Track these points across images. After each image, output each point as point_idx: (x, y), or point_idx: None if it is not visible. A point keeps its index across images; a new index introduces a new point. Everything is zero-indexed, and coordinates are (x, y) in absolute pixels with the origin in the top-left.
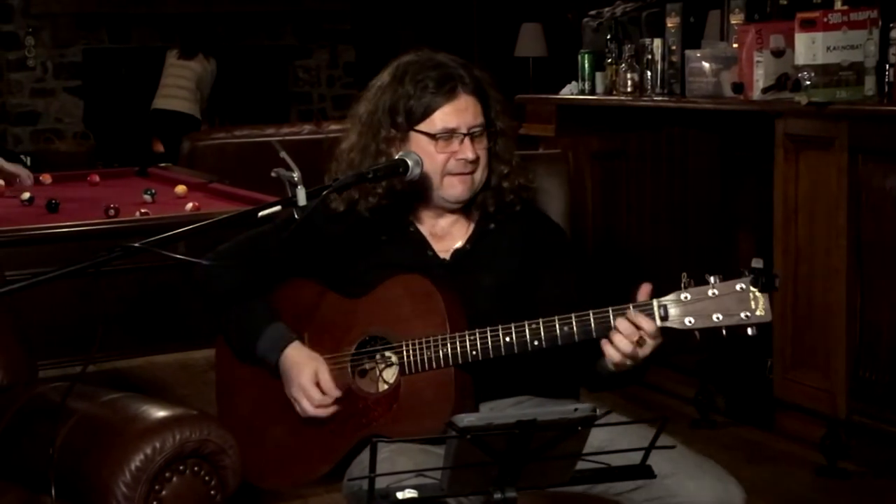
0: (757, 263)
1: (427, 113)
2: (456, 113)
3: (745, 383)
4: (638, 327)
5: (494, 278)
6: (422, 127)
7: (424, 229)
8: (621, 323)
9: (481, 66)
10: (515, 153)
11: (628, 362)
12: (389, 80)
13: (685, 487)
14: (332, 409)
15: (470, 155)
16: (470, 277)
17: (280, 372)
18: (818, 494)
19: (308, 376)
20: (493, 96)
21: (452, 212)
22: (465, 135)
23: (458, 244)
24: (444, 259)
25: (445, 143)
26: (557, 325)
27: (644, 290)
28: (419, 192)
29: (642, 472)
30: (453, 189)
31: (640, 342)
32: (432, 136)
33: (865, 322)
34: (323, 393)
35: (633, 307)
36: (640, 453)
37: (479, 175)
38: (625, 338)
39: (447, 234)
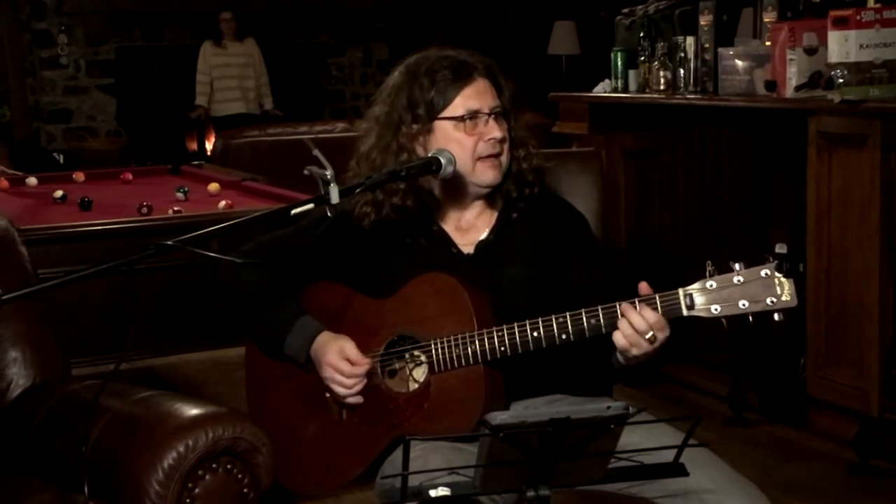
0: (781, 249)
1: (449, 100)
2: (476, 95)
3: (778, 381)
4: (643, 317)
5: (519, 268)
6: (446, 114)
7: (449, 226)
8: (627, 310)
9: (513, 64)
10: (530, 136)
11: (633, 350)
12: (403, 79)
13: None
14: (363, 383)
15: (497, 133)
16: (495, 269)
17: (312, 361)
18: (851, 492)
19: (335, 352)
20: (504, 81)
21: (477, 203)
22: (488, 115)
23: (482, 236)
24: (468, 253)
25: (472, 126)
26: (584, 318)
27: (642, 288)
28: (444, 189)
29: (675, 470)
30: (485, 175)
31: (645, 331)
32: (459, 119)
33: None
34: (354, 364)
35: (660, 297)
36: (672, 452)
37: (506, 158)
38: (630, 325)
39: (472, 227)
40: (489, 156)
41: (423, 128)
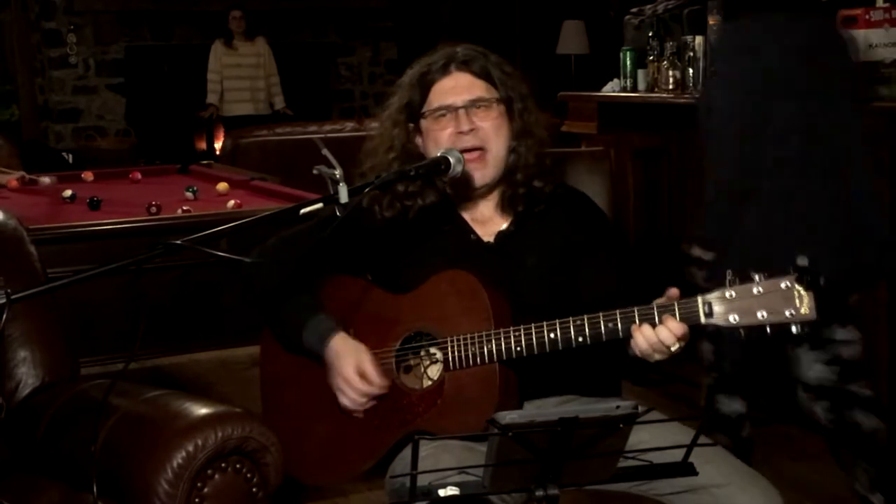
0: (802, 261)
1: (425, 96)
2: (449, 89)
3: (787, 380)
4: (668, 328)
5: (538, 260)
6: (424, 111)
7: (466, 216)
8: (647, 328)
9: (522, 63)
10: (540, 126)
11: (656, 356)
12: (404, 79)
13: (734, 499)
14: (373, 402)
15: (464, 126)
16: (514, 259)
17: (325, 363)
18: None
19: (352, 366)
20: (497, 72)
21: (492, 195)
22: (458, 108)
23: (503, 227)
24: (488, 242)
25: (446, 121)
26: (602, 322)
27: (671, 294)
28: (451, 185)
29: (684, 469)
30: (471, 176)
31: (667, 339)
32: (433, 114)
33: None
34: (368, 383)
35: (679, 304)
36: (681, 451)
37: (494, 153)
38: (654, 332)
39: (489, 220)
40: (465, 150)
41: (415, 127)
